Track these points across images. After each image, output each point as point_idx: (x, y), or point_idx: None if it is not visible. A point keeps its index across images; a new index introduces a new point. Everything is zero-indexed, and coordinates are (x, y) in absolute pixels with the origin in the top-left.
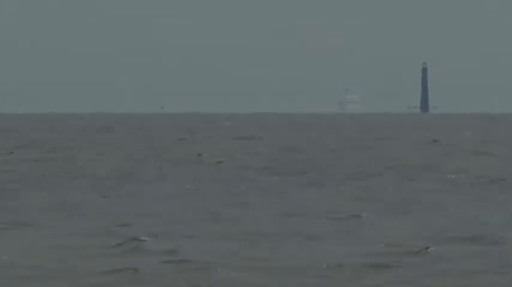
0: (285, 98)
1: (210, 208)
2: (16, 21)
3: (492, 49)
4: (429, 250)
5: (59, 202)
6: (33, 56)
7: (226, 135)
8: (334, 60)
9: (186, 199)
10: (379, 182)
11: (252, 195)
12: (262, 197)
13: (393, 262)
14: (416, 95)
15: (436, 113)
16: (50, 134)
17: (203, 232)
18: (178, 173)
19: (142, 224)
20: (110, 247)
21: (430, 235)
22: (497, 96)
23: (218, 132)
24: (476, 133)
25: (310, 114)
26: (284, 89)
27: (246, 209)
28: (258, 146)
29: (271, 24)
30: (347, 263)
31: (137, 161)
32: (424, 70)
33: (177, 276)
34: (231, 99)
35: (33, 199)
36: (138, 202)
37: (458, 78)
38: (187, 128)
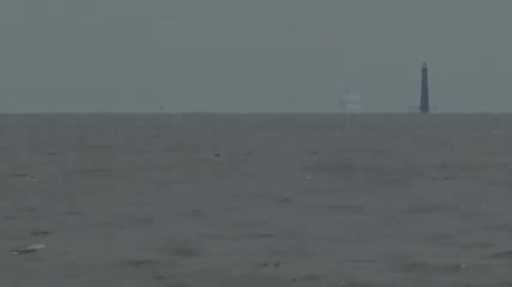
0: (285, 98)
1: (265, 208)
2: (16, 21)
3: (492, 49)
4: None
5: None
6: (33, 56)
7: (245, 134)
8: (334, 60)
9: (232, 199)
10: (429, 182)
11: (296, 194)
12: (308, 196)
13: (485, 263)
14: (416, 95)
15: (436, 113)
16: (80, 134)
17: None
18: (219, 172)
19: (191, 223)
20: (152, 249)
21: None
22: (497, 96)
23: (238, 131)
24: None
25: (310, 114)
26: (284, 89)
27: (299, 209)
28: (284, 145)
29: (271, 24)
30: (430, 264)
31: (172, 159)
32: (424, 70)
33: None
34: (231, 99)
35: (92, 198)
36: (190, 203)
37: (458, 78)
38: (200, 127)
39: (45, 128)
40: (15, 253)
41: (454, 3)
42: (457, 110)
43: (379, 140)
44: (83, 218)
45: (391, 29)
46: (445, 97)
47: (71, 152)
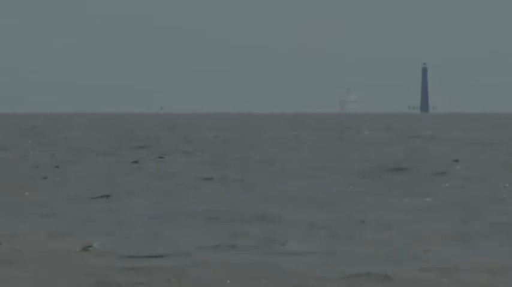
0: (285, 98)
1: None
2: (16, 21)
3: (492, 49)
4: None
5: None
6: (34, 56)
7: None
8: (334, 60)
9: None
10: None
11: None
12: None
13: None
14: (416, 95)
15: (436, 113)
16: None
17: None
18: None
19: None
20: (249, 246)
21: None
22: (497, 96)
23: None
24: None
25: (310, 114)
26: (284, 89)
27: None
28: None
29: (271, 24)
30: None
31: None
32: (424, 70)
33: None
34: (231, 99)
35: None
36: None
37: (458, 78)
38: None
39: (64, 128)
40: (75, 251)
41: (454, 3)
42: (457, 110)
43: (404, 140)
44: (134, 215)
45: (391, 29)
46: (445, 97)
47: (119, 152)
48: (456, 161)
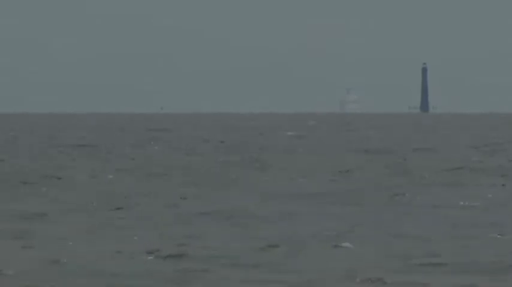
0: (285, 98)
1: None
2: (15, 21)
3: (492, 49)
4: None
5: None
6: (34, 56)
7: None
8: (334, 60)
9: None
10: None
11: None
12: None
13: None
14: (416, 95)
15: (436, 113)
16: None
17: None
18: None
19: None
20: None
21: None
22: (497, 96)
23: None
24: None
25: (310, 114)
26: (284, 89)
27: None
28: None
29: (271, 24)
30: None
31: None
32: (424, 70)
33: None
34: (231, 99)
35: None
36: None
37: (458, 78)
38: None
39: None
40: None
41: (454, 3)
42: (457, 110)
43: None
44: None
45: (391, 29)
46: (445, 97)
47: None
48: None
